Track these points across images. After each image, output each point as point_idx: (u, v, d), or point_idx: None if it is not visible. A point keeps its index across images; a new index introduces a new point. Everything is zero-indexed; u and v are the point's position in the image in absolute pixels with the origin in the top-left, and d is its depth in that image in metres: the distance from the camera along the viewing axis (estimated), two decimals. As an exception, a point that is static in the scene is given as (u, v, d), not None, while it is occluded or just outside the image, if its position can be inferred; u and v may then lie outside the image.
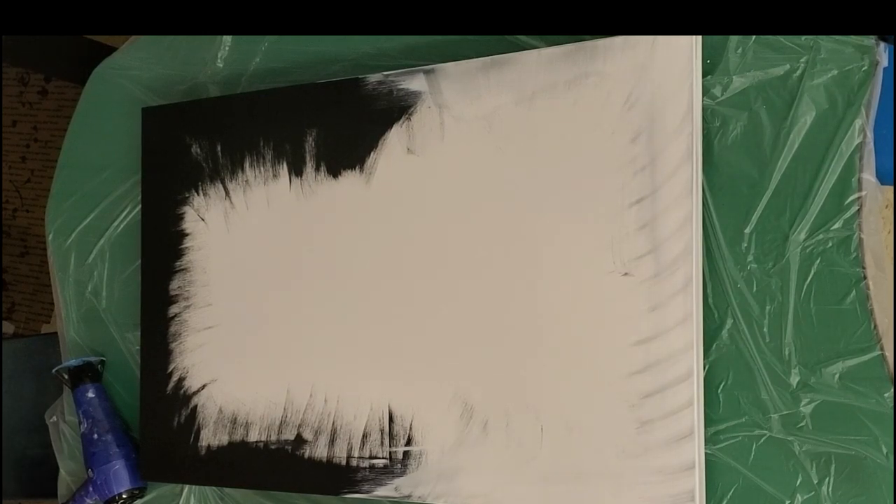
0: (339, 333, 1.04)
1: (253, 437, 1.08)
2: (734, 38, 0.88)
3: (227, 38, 1.19)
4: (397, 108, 1.01)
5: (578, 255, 0.91)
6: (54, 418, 1.28)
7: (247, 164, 1.10)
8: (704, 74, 0.89)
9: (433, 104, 0.99)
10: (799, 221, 0.85)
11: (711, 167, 0.89)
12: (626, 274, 0.89)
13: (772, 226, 0.87)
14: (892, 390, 0.82)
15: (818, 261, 0.85)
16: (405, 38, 1.06)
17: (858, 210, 0.83)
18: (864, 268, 0.83)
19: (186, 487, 1.16)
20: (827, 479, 0.84)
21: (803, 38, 0.86)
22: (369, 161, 1.03)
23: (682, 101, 0.87)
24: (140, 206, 1.20)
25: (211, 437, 1.11)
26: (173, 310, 1.15)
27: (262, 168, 1.09)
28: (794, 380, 0.85)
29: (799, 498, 0.85)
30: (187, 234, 1.14)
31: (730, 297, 0.88)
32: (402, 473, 0.99)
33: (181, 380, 1.14)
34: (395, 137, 1.01)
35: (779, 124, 0.87)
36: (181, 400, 1.13)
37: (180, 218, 1.15)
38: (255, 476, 1.08)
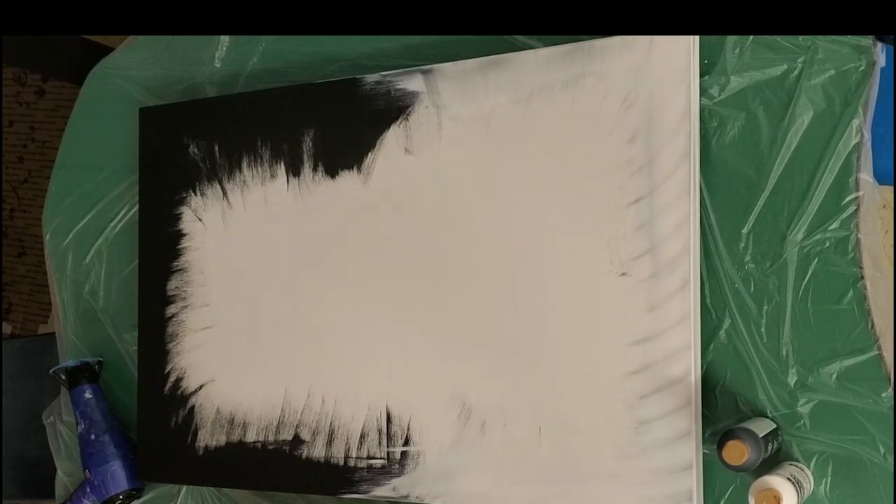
0: (337, 333, 1.04)
1: (250, 437, 1.08)
2: (731, 39, 0.88)
3: (225, 39, 1.18)
4: (395, 108, 1.01)
5: (576, 255, 0.91)
6: (52, 419, 1.28)
7: (244, 165, 1.10)
8: (702, 74, 0.89)
9: (431, 104, 0.99)
10: (796, 221, 0.86)
11: (709, 167, 0.89)
12: (623, 274, 0.89)
13: (769, 226, 0.87)
14: (890, 390, 0.82)
15: (816, 261, 0.85)
16: (403, 38, 1.06)
17: (856, 210, 0.83)
18: (861, 268, 0.83)
19: (184, 488, 1.16)
20: (825, 479, 0.84)
21: (801, 38, 0.86)
22: (367, 161, 1.03)
23: (680, 101, 0.87)
24: (137, 207, 1.19)
25: (208, 437, 1.11)
26: (171, 310, 1.15)
27: (259, 168, 1.09)
28: (792, 380, 0.85)
29: (797, 498, 0.85)
30: (185, 235, 1.14)
31: (727, 296, 0.88)
32: (400, 473, 0.99)
33: (179, 380, 1.13)
34: (393, 137, 1.01)
35: (776, 124, 0.87)
36: (179, 400, 1.13)
37: (178, 218, 1.15)
38: (253, 476, 1.08)
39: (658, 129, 0.88)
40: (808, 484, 0.82)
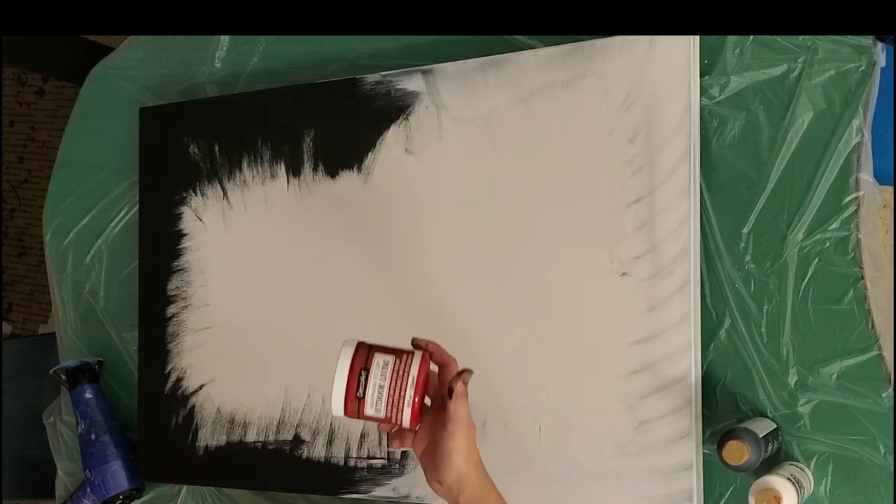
0: (337, 333, 1.04)
1: (251, 437, 1.08)
2: (732, 39, 0.88)
3: (225, 39, 1.18)
4: (395, 108, 1.01)
5: (576, 255, 0.91)
6: (52, 419, 1.28)
7: (244, 164, 1.10)
8: (702, 74, 0.89)
9: (431, 104, 0.99)
10: (797, 221, 0.85)
11: (709, 167, 0.89)
12: (624, 274, 0.89)
13: (770, 226, 0.87)
14: (890, 390, 0.82)
15: (816, 261, 0.85)
16: (403, 38, 1.06)
17: (856, 210, 0.83)
18: (861, 268, 0.83)
19: (184, 488, 1.16)
20: (825, 479, 0.84)
21: (801, 38, 0.86)
22: (367, 161, 1.03)
23: (680, 101, 0.87)
24: (137, 207, 1.19)
25: (209, 437, 1.11)
26: (171, 310, 1.15)
27: (259, 168, 1.09)
28: (792, 379, 0.85)
29: (797, 498, 0.85)
30: (185, 234, 1.14)
31: (728, 296, 0.88)
32: (401, 474, 0.99)
33: (179, 380, 1.13)
34: (393, 137, 1.01)
35: (776, 124, 0.87)
36: (179, 400, 1.13)
37: (178, 218, 1.15)
38: (253, 476, 1.08)
39: (658, 129, 0.88)
40: (809, 484, 0.82)
